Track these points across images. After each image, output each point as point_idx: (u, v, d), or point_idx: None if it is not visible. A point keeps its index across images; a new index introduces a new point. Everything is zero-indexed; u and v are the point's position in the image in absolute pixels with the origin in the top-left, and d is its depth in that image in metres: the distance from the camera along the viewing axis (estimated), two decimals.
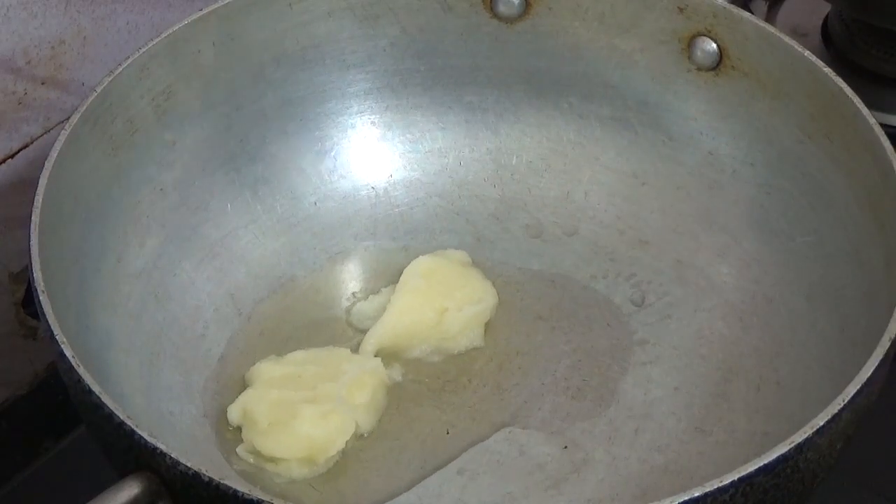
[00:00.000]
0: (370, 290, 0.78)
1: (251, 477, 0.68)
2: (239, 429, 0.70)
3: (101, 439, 0.60)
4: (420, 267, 0.77)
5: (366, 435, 0.71)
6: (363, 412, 0.71)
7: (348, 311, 0.77)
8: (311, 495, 0.68)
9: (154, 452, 0.55)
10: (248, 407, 0.69)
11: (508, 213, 0.81)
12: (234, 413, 0.70)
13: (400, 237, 0.80)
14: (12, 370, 0.83)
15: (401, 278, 0.76)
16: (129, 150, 0.72)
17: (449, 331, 0.75)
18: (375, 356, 0.73)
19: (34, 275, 0.62)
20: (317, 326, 0.76)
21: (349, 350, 0.74)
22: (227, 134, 0.78)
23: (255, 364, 0.72)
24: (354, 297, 0.78)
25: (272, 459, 0.68)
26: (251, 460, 0.69)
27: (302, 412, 0.69)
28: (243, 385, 0.72)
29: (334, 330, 0.76)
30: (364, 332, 0.75)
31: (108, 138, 0.71)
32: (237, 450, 0.69)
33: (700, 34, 0.76)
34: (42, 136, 0.79)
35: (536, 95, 0.82)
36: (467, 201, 0.82)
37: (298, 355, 0.73)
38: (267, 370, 0.71)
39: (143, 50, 0.72)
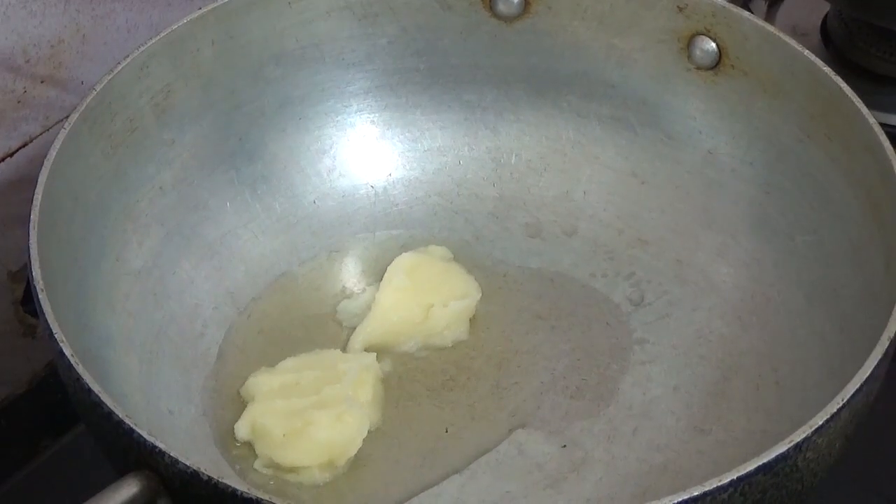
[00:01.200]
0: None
1: (272, 490, 0.68)
2: (246, 444, 0.70)
3: (100, 438, 0.60)
4: (403, 264, 0.77)
5: (373, 430, 0.71)
6: (370, 408, 0.71)
7: (333, 307, 0.77)
8: (309, 494, 0.68)
9: (153, 451, 0.55)
10: (258, 421, 0.69)
11: (507, 211, 0.81)
12: (243, 429, 0.70)
13: (399, 235, 0.80)
14: (11, 369, 0.83)
15: (385, 275, 0.77)
16: (128, 148, 0.72)
17: (435, 326, 0.75)
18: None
19: (33, 273, 0.62)
20: (316, 324, 0.76)
21: (338, 350, 0.74)
22: (226, 133, 0.78)
23: (248, 378, 0.72)
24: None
25: (293, 469, 0.68)
26: (270, 473, 0.69)
27: (316, 418, 0.68)
28: (242, 384, 0.72)
29: (333, 328, 0.76)
30: (351, 329, 0.75)
31: (108, 137, 0.71)
32: (254, 465, 0.69)
33: (699, 33, 0.76)
34: (41, 134, 0.79)
35: (536, 94, 0.82)
36: (466, 200, 0.82)
37: (290, 363, 0.73)
38: (264, 382, 0.71)
39: (143, 49, 0.72)
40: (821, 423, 0.57)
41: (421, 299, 0.75)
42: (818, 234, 0.73)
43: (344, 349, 0.74)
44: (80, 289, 0.67)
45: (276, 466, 0.69)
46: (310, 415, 0.69)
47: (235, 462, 0.69)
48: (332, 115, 0.81)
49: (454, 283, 0.77)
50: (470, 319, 0.76)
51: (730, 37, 0.75)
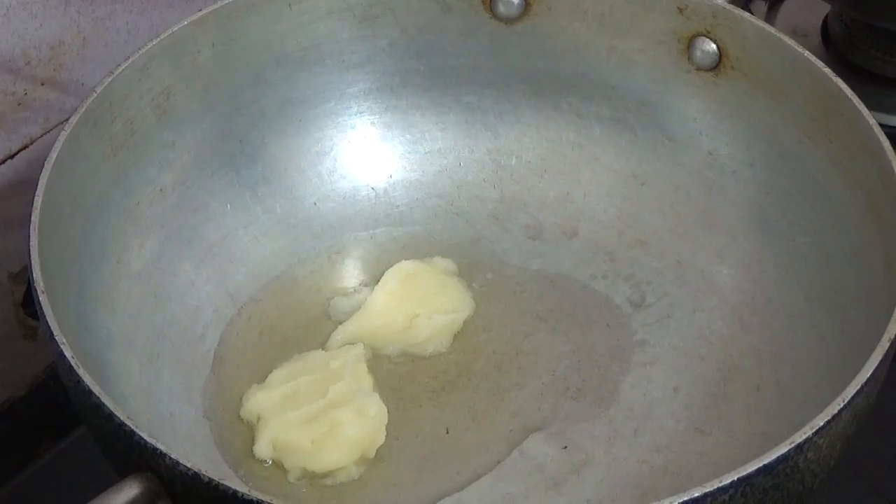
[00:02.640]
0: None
1: (310, 498, 0.68)
2: (262, 460, 0.70)
3: (100, 440, 0.60)
4: (400, 270, 0.77)
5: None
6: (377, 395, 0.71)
7: (326, 304, 0.77)
8: (310, 496, 0.68)
9: (154, 453, 0.55)
10: (280, 437, 0.69)
11: (508, 213, 0.81)
12: (264, 450, 0.69)
13: (400, 237, 0.80)
14: (12, 371, 0.83)
15: (380, 280, 0.77)
16: (128, 150, 0.72)
17: (416, 337, 0.75)
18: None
19: (34, 275, 0.62)
20: (316, 326, 0.76)
21: (319, 350, 0.74)
22: (226, 135, 0.78)
23: (244, 399, 0.72)
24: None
25: (328, 473, 0.69)
26: (306, 482, 0.69)
27: (339, 417, 0.69)
28: (243, 386, 0.72)
29: (332, 329, 0.76)
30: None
31: (108, 139, 0.71)
32: (289, 479, 0.69)
33: (700, 34, 0.76)
34: (42, 136, 0.79)
35: (536, 96, 0.82)
36: (467, 202, 0.82)
37: (278, 375, 0.73)
38: (265, 399, 0.71)
39: (143, 51, 0.72)
40: (821, 424, 0.57)
41: (408, 308, 0.75)
42: (818, 236, 0.73)
43: (324, 346, 0.75)
44: (80, 291, 0.67)
45: (311, 475, 0.69)
46: (331, 416, 0.69)
47: (262, 482, 0.69)
48: (332, 117, 0.81)
49: (447, 297, 0.76)
50: (469, 322, 0.76)
51: (730, 38, 0.75)
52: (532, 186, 0.82)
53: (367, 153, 0.82)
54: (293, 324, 0.76)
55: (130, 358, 0.70)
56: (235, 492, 0.54)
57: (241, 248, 0.78)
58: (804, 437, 0.56)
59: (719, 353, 0.74)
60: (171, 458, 0.55)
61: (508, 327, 0.76)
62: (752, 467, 0.55)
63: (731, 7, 0.74)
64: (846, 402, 0.57)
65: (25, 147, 0.79)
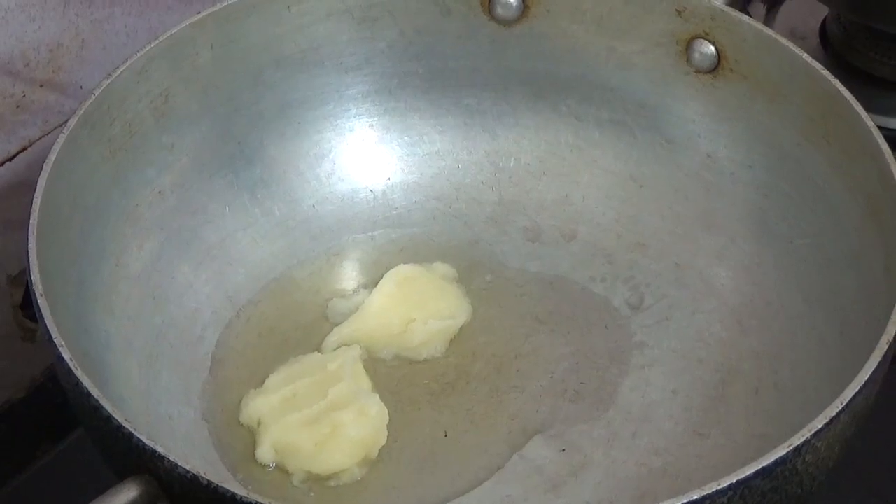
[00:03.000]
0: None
1: (315, 500, 0.68)
2: (265, 464, 0.70)
3: (99, 442, 0.60)
4: (399, 274, 0.77)
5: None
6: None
7: (324, 306, 0.77)
8: (308, 499, 0.68)
9: (153, 455, 0.55)
10: (282, 441, 0.69)
11: (506, 215, 0.81)
12: (267, 454, 0.69)
13: (398, 240, 0.80)
14: (10, 373, 0.83)
15: (379, 282, 0.77)
16: (127, 152, 0.72)
17: (411, 341, 0.75)
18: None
19: (32, 277, 0.62)
20: (314, 328, 0.76)
21: (315, 352, 0.74)
22: (225, 137, 0.78)
23: (243, 404, 0.72)
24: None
25: (332, 475, 0.69)
26: (309, 485, 0.69)
27: (340, 419, 0.69)
28: (241, 388, 0.72)
29: (330, 331, 0.76)
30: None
31: (107, 141, 0.71)
32: (293, 482, 0.69)
33: (698, 37, 0.76)
34: (40, 138, 0.79)
35: (534, 98, 0.82)
36: (465, 204, 0.82)
37: (275, 379, 0.72)
38: (264, 403, 0.71)
39: (141, 53, 0.72)
40: (820, 426, 0.57)
41: (404, 312, 0.75)
42: (818, 238, 0.73)
43: (319, 348, 0.75)
44: (79, 293, 0.67)
45: (315, 477, 0.69)
46: (332, 418, 0.69)
47: (260, 485, 0.69)
48: (330, 119, 0.81)
49: (444, 302, 0.76)
50: (467, 325, 0.76)
51: (729, 40, 0.75)
52: (531, 189, 0.82)
53: (365, 155, 0.82)
54: (292, 325, 0.76)
55: (129, 360, 0.70)
56: (234, 494, 0.54)
57: (239, 250, 0.78)
58: (803, 439, 0.56)
59: (718, 355, 0.74)
60: (169, 460, 0.55)
61: (507, 330, 0.76)
62: (750, 470, 0.55)
63: (729, 9, 0.74)
64: (845, 404, 0.57)
65: (24, 149, 0.79)
